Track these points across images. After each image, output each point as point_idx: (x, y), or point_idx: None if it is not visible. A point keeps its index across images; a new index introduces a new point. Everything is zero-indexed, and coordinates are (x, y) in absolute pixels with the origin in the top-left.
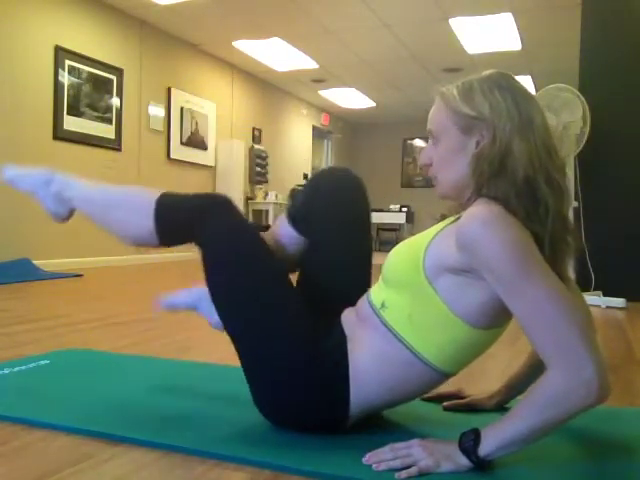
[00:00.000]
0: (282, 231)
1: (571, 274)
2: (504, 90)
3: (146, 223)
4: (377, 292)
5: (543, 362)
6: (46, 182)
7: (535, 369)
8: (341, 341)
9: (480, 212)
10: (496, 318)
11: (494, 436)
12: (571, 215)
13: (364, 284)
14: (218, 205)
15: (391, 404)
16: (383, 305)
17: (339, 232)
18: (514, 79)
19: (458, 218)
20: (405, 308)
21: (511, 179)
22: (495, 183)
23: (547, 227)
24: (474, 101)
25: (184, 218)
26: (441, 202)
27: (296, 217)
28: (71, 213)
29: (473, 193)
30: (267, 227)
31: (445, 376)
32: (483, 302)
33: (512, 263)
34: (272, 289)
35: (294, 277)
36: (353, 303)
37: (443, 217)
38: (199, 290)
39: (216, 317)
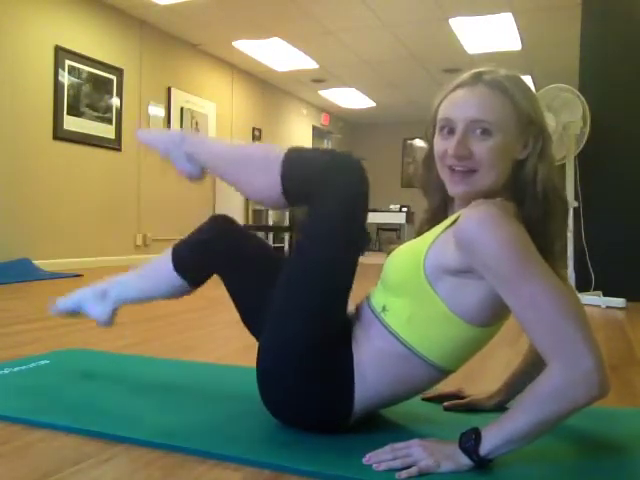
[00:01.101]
0: None
1: (566, 274)
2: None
3: (273, 184)
4: (377, 296)
5: (541, 359)
6: (178, 142)
7: (534, 367)
8: (346, 340)
9: (477, 212)
10: (495, 316)
11: (494, 434)
12: (571, 215)
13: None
14: (343, 176)
15: (393, 402)
16: (384, 309)
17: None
18: None
19: (456, 220)
20: (405, 310)
21: (533, 190)
22: (524, 193)
23: (548, 234)
24: (534, 105)
25: (308, 182)
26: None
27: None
28: (204, 172)
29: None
30: (267, 226)
31: (445, 373)
32: (482, 301)
33: (509, 261)
34: (340, 281)
35: None
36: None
37: (427, 213)
38: (80, 293)
39: (97, 313)
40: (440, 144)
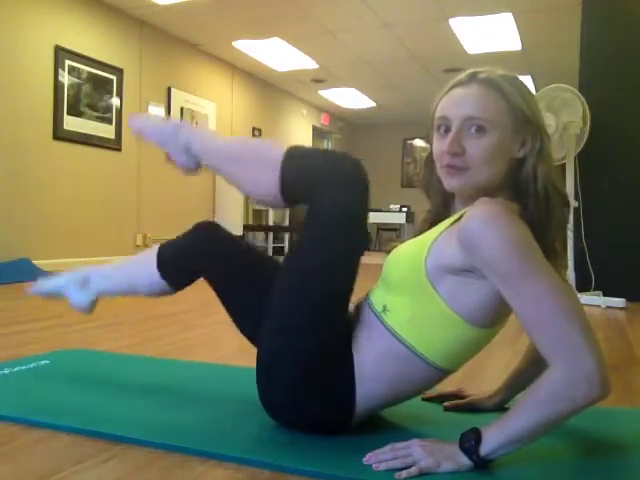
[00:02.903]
0: None
1: (565, 274)
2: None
3: (272, 182)
4: (377, 295)
5: (541, 358)
6: (174, 133)
7: (533, 366)
8: (347, 342)
9: (481, 211)
10: (496, 316)
11: (495, 435)
12: (571, 215)
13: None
14: (343, 175)
15: (393, 402)
16: (385, 309)
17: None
18: None
19: (459, 219)
20: (406, 310)
21: (534, 189)
22: (525, 192)
23: (548, 234)
24: (530, 102)
25: (308, 181)
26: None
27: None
28: (199, 166)
29: (491, 195)
30: (267, 226)
31: (445, 373)
32: (484, 301)
33: (512, 261)
34: (341, 285)
35: None
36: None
37: (430, 213)
38: (62, 278)
39: (77, 300)
40: (437, 143)
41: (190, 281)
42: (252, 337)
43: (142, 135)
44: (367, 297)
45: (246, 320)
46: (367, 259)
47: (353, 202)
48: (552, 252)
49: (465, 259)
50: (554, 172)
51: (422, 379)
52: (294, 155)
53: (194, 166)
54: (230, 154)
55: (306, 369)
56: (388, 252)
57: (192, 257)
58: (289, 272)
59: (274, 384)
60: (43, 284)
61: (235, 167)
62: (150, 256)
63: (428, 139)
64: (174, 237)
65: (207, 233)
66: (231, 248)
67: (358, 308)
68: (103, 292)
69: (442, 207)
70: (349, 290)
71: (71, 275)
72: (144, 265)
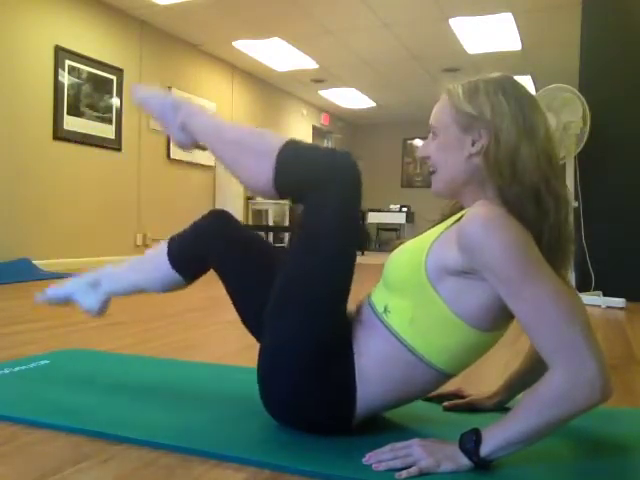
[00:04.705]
0: None
1: (570, 278)
2: (509, 94)
3: (266, 173)
4: (378, 296)
5: (541, 361)
6: (174, 108)
7: (534, 367)
8: (347, 342)
9: (480, 214)
10: (498, 320)
11: (496, 436)
12: (571, 216)
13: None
14: (341, 173)
15: (394, 404)
16: (386, 310)
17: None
18: (520, 84)
19: (458, 220)
20: (408, 312)
21: (520, 184)
22: (509, 187)
23: (545, 234)
24: (477, 100)
25: (305, 176)
26: (440, 202)
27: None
28: (194, 144)
29: (479, 195)
30: (267, 226)
31: (447, 377)
32: (485, 304)
33: (513, 264)
34: (339, 281)
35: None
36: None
37: (442, 218)
38: (71, 283)
39: (88, 303)
40: None
41: (201, 270)
42: (259, 334)
43: (142, 107)
44: (368, 297)
45: (255, 319)
46: (367, 259)
47: (350, 202)
48: (558, 256)
49: (465, 261)
50: (521, 160)
51: (423, 382)
52: (290, 150)
53: (188, 144)
54: (229, 139)
55: (306, 369)
56: (391, 250)
57: (207, 240)
58: (288, 272)
59: (273, 385)
60: (51, 292)
61: (232, 153)
62: (160, 249)
63: None
64: (181, 230)
65: (223, 217)
66: (247, 235)
67: (359, 308)
68: (114, 291)
69: (456, 204)
70: (346, 289)
71: (79, 279)
72: (154, 258)
